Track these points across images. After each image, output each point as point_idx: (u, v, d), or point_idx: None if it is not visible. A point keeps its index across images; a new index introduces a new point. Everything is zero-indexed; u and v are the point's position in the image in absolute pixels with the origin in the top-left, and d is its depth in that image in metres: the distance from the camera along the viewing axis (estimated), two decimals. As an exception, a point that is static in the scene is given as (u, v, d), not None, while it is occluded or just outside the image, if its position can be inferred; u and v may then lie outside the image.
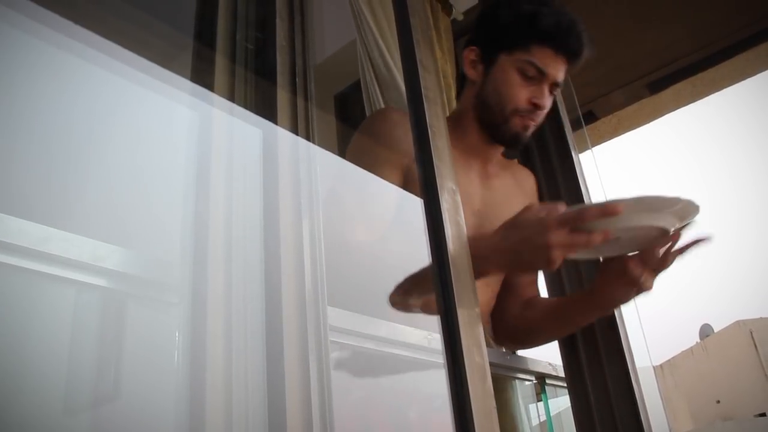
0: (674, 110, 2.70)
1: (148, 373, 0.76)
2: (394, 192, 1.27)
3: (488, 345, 1.15)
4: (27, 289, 0.67)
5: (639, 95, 2.61)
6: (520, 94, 1.31)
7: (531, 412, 1.62)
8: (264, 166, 0.82)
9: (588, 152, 1.95)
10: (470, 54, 1.40)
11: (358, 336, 0.95)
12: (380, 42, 1.73)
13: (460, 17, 2.29)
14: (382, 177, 1.27)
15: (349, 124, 2.42)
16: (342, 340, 0.93)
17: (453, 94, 1.97)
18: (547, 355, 1.49)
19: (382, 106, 1.73)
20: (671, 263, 1.16)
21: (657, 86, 2.56)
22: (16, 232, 0.61)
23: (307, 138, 0.87)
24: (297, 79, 0.90)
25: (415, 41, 1.01)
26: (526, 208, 1.06)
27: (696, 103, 2.65)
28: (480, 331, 0.88)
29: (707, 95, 2.61)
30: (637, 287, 1.17)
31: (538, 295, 1.50)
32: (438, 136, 0.96)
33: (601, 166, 1.78)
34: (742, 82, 2.55)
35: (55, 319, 0.71)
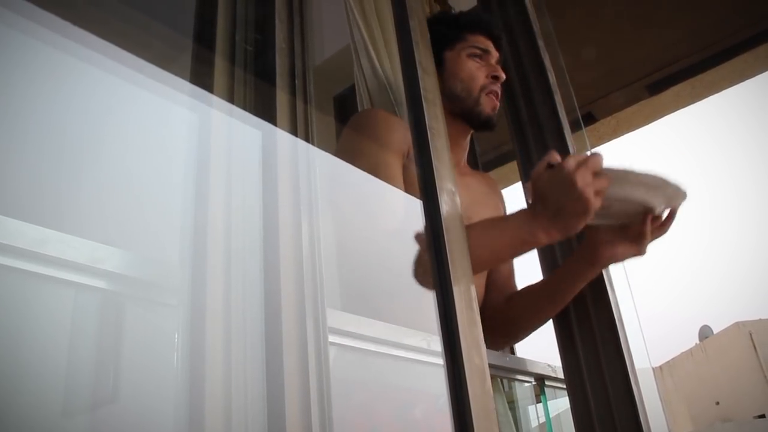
0: (673, 112, 2.70)
1: (146, 376, 0.76)
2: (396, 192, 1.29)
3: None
4: (25, 291, 0.67)
5: (638, 97, 2.61)
6: (479, 73, 1.48)
7: (530, 413, 1.62)
8: (263, 167, 0.82)
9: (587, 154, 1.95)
10: None
11: (358, 338, 0.95)
12: (369, 47, 1.74)
13: (460, 18, 2.29)
14: (385, 166, 1.33)
15: (349, 125, 2.42)
16: (341, 341, 0.93)
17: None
18: (547, 357, 1.49)
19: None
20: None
21: (656, 88, 2.56)
22: (14, 234, 0.61)
23: (307, 139, 0.87)
24: (296, 81, 0.90)
25: (414, 43, 1.01)
26: (538, 176, 1.12)
27: (695, 104, 2.66)
28: (479, 332, 0.88)
29: (706, 97, 2.61)
30: (639, 246, 1.23)
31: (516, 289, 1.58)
32: (437, 137, 0.96)
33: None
34: (742, 84, 2.55)
35: (54, 321, 0.70)
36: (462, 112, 1.47)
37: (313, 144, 0.88)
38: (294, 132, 0.86)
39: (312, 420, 0.69)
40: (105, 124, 1.15)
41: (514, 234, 1.15)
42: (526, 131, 1.59)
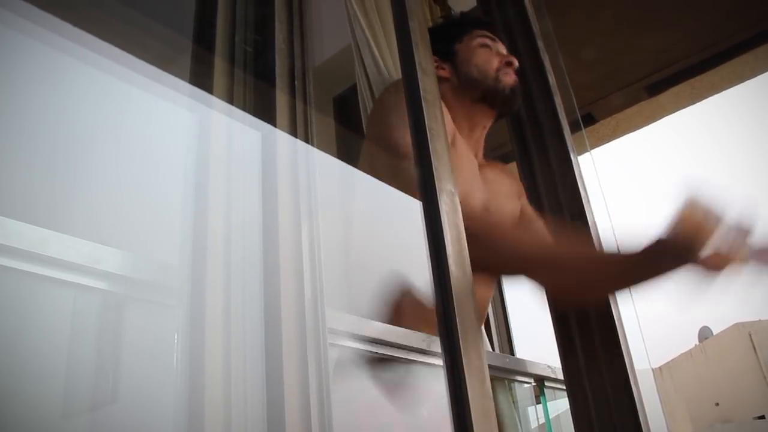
0: (673, 113, 2.71)
1: (146, 376, 0.76)
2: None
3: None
4: (25, 292, 0.67)
5: (638, 98, 2.61)
6: (492, 59, 1.49)
7: (530, 414, 1.62)
8: (263, 168, 0.82)
9: (587, 155, 1.95)
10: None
11: (357, 338, 0.95)
12: (373, 47, 1.73)
13: (459, 19, 2.29)
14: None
15: (348, 126, 2.42)
16: (341, 342, 0.93)
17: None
18: (546, 358, 1.49)
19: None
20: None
21: (656, 89, 2.56)
22: (14, 235, 0.61)
23: (306, 140, 0.87)
24: (296, 82, 0.90)
25: (413, 44, 1.01)
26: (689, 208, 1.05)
27: (695, 105, 2.66)
28: (479, 333, 0.88)
29: (706, 97, 2.61)
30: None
31: None
32: (436, 138, 0.96)
33: (600, 168, 1.78)
34: (742, 84, 2.55)
35: (54, 322, 0.70)
36: (483, 95, 1.48)
37: (312, 145, 0.88)
38: (294, 133, 0.86)
39: (312, 420, 0.69)
40: (105, 125, 1.15)
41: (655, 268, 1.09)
42: (526, 132, 1.60)
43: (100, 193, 1.07)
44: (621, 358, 1.30)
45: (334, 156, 2.12)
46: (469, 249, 0.91)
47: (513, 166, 1.67)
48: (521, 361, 1.47)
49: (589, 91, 2.57)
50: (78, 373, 0.72)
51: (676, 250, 1.04)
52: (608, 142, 2.84)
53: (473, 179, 1.40)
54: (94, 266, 0.67)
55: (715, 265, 1.02)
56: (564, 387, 1.39)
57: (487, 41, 1.52)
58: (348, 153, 2.33)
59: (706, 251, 1.01)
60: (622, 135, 2.81)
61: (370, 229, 1.32)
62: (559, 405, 1.51)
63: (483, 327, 1.52)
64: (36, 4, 0.72)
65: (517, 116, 1.61)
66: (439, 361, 0.84)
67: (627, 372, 1.28)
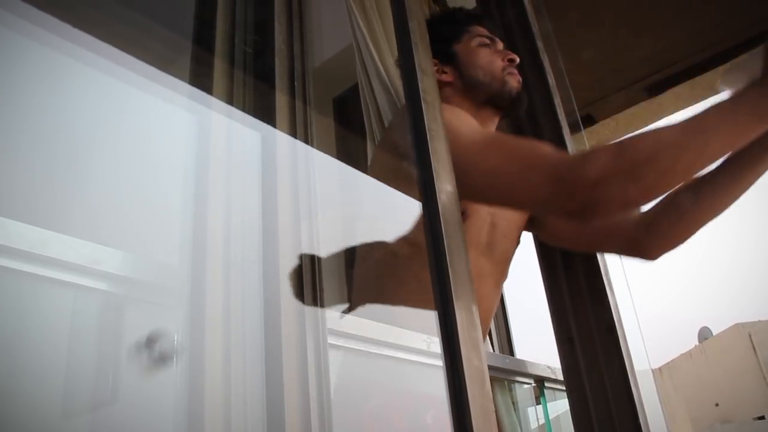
0: (673, 113, 2.70)
1: (146, 377, 0.76)
2: None
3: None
4: (26, 292, 0.67)
5: (637, 98, 2.61)
6: (495, 58, 1.46)
7: (530, 415, 1.62)
8: (263, 169, 0.82)
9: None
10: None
11: (357, 339, 0.95)
12: (371, 46, 1.73)
13: (459, 20, 2.29)
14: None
15: (348, 127, 2.42)
16: (340, 343, 0.93)
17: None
18: (546, 358, 1.49)
19: (377, 109, 1.73)
20: None
21: (655, 89, 2.56)
22: (14, 235, 0.61)
23: (306, 141, 0.87)
24: (295, 83, 0.90)
25: (413, 44, 1.01)
26: None
27: (695, 105, 2.66)
28: (479, 334, 0.88)
29: (706, 98, 2.61)
30: None
31: None
32: (436, 139, 0.96)
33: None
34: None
35: (54, 322, 0.71)
36: (489, 98, 1.45)
37: (312, 146, 0.88)
38: (293, 134, 0.86)
39: (311, 421, 0.69)
40: (104, 126, 1.15)
41: (752, 110, 1.00)
42: (526, 133, 1.60)
43: (100, 193, 1.07)
44: (621, 358, 1.30)
45: (334, 156, 2.12)
46: None
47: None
48: (521, 362, 1.47)
49: (589, 91, 2.57)
50: (78, 374, 0.72)
51: None
52: (608, 143, 2.83)
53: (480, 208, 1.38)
54: (95, 267, 0.67)
55: None
56: (564, 388, 1.39)
57: (486, 39, 1.49)
58: (348, 153, 2.33)
59: None
60: (622, 135, 2.81)
61: (370, 230, 1.32)
62: (559, 406, 1.51)
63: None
64: (36, 5, 0.72)
65: (517, 117, 1.61)
66: (439, 362, 0.84)
67: (627, 372, 1.28)
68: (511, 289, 2.52)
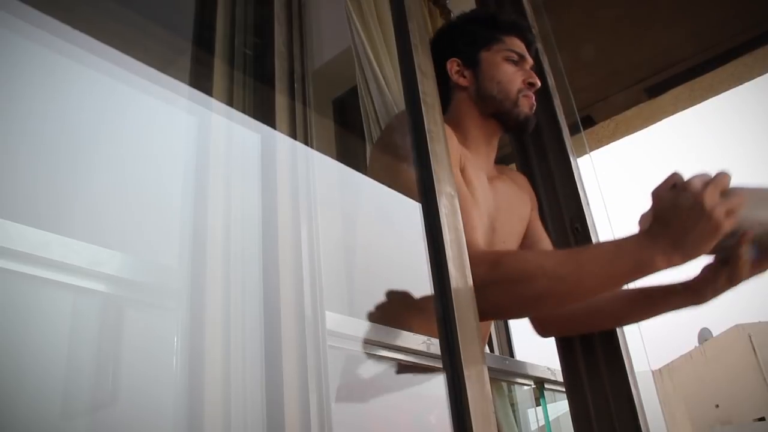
0: (672, 114, 2.70)
1: (146, 378, 0.76)
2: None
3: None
4: (26, 294, 0.67)
5: (637, 99, 2.61)
6: (515, 77, 1.44)
7: (529, 416, 1.62)
8: (262, 170, 0.82)
9: (586, 157, 1.95)
10: (453, 65, 1.49)
11: (357, 341, 0.95)
12: (369, 51, 1.73)
13: (458, 21, 2.29)
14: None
15: (348, 128, 2.42)
16: (340, 345, 0.93)
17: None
18: (546, 360, 1.49)
19: (375, 113, 1.73)
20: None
21: (655, 90, 2.56)
22: (15, 238, 0.61)
23: (306, 142, 0.88)
24: (295, 84, 0.90)
25: (413, 46, 1.01)
26: (659, 197, 1.06)
27: (695, 106, 2.66)
28: (479, 336, 0.88)
29: (705, 99, 2.61)
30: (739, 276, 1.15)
31: None
32: (436, 140, 0.96)
33: (600, 170, 1.78)
34: (742, 86, 2.55)
35: (54, 324, 0.71)
36: (497, 113, 1.44)
37: (312, 147, 0.88)
38: (293, 135, 0.86)
39: (311, 423, 0.69)
40: (104, 128, 1.15)
41: (631, 259, 1.05)
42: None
43: (100, 195, 1.07)
44: (621, 360, 1.30)
45: (334, 158, 2.12)
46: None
47: (513, 167, 1.67)
48: (521, 364, 1.47)
49: (589, 92, 2.56)
50: (78, 375, 0.72)
51: (668, 231, 1.03)
52: (608, 144, 2.83)
53: (481, 186, 1.38)
54: (95, 269, 0.67)
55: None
56: (564, 389, 1.39)
57: (514, 55, 1.46)
58: (347, 155, 2.33)
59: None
60: (622, 137, 2.81)
61: (370, 231, 1.32)
62: (559, 407, 1.51)
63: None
64: (35, 6, 0.72)
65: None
66: (439, 364, 0.84)
67: (627, 374, 1.29)
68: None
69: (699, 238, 1.01)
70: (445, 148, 0.98)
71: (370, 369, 1.08)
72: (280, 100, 0.87)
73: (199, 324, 0.70)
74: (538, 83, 1.45)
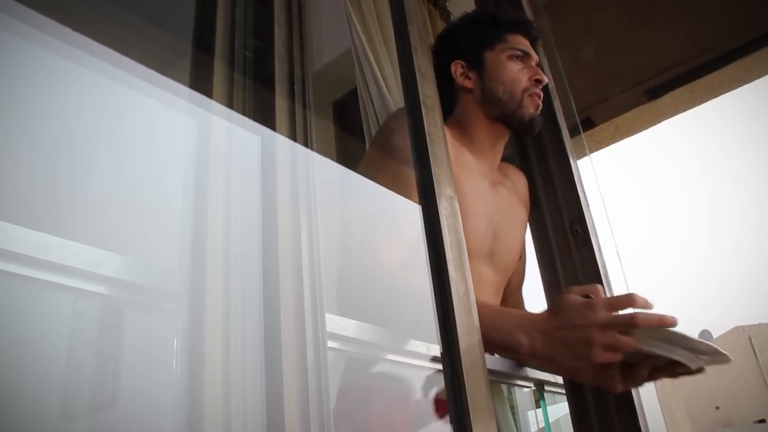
0: (672, 116, 2.71)
1: (146, 381, 0.76)
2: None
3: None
4: (25, 297, 0.67)
5: (637, 102, 2.61)
6: (521, 75, 1.43)
7: (529, 418, 1.62)
8: (262, 172, 0.82)
9: (586, 159, 1.95)
10: (457, 67, 1.48)
11: (357, 343, 0.95)
12: (369, 53, 1.73)
13: (458, 24, 2.29)
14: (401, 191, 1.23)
15: (348, 130, 2.42)
16: (340, 347, 0.93)
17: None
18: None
19: (375, 115, 1.73)
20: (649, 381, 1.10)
21: (655, 93, 2.57)
22: (14, 239, 0.61)
23: (306, 145, 0.87)
24: (295, 86, 0.90)
25: (413, 48, 1.01)
26: (567, 290, 1.04)
27: (695, 108, 2.66)
28: (478, 338, 0.88)
29: (705, 101, 2.62)
30: (605, 383, 1.11)
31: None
32: (436, 142, 0.96)
33: (600, 172, 1.78)
34: (742, 87, 2.55)
35: (54, 327, 0.70)
36: (503, 115, 1.43)
37: (312, 149, 0.88)
38: (293, 137, 0.86)
39: (311, 426, 0.69)
40: (104, 129, 1.15)
41: (507, 334, 1.05)
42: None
43: (100, 197, 1.07)
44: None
45: (334, 160, 2.12)
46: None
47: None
48: (521, 365, 1.46)
49: (589, 95, 2.57)
50: (77, 378, 0.72)
51: (551, 339, 1.02)
52: (608, 146, 2.84)
53: (482, 192, 1.38)
54: (94, 271, 0.67)
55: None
56: (564, 391, 1.39)
57: (519, 52, 1.44)
58: (347, 157, 2.33)
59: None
60: (622, 139, 2.82)
61: (370, 233, 1.32)
62: (559, 409, 1.51)
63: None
64: (35, 8, 0.72)
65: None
66: (439, 366, 0.84)
67: (627, 376, 1.28)
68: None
69: (570, 360, 1.00)
70: (445, 150, 0.98)
71: (370, 371, 1.08)
72: (280, 102, 0.87)
73: (199, 326, 0.70)
74: (545, 79, 1.44)
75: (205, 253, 0.74)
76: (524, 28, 1.49)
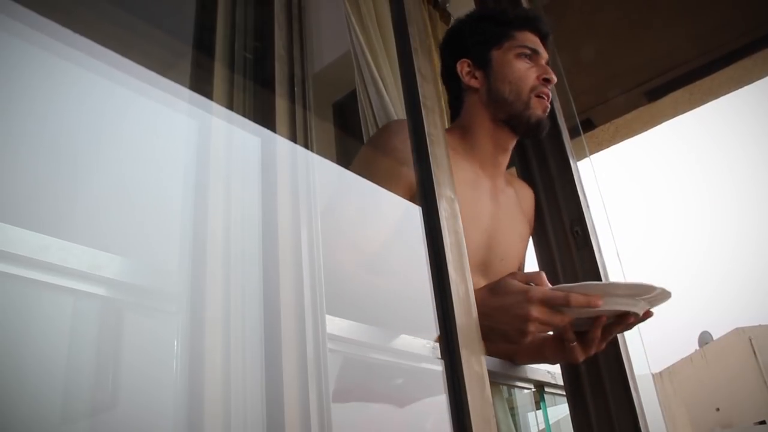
0: (672, 118, 2.71)
1: (146, 382, 0.76)
2: (397, 203, 1.25)
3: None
4: (26, 298, 0.67)
5: (637, 103, 2.62)
6: (529, 74, 1.37)
7: (530, 420, 1.62)
8: (262, 174, 0.82)
9: (586, 160, 1.95)
10: (464, 66, 1.44)
11: (357, 344, 0.95)
12: (368, 55, 1.73)
13: (458, 25, 2.29)
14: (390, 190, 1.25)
15: (348, 132, 2.42)
16: (340, 348, 0.93)
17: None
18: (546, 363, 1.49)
19: (374, 117, 1.73)
20: (606, 341, 1.15)
21: (655, 94, 2.57)
22: (14, 241, 0.61)
23: (306, 146, 0.88)
24: (295, 88, 0.90)
25: (413, 50, 1.01)
26: (511, 275, 1.06)
27: (694, 109, 2.66)
28: (478, 339, 0.88)
29: (704, 103, 2.62)
30: (568, 358, 1.17)
31: None
32: (436, 144, 0.96)
33: (600, 173, 1.78)
34: (742, 89, 2.55)
35: (54, 328, 0.71)
36: (509, 118, 1.38)
37: (312, 150, 0.88)
38: (293, 138, 0.86)
39: (311, 427, 0.69)
40: (104, 131, 1.15)
41: None
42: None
43: (100, 199, 1.07)
44: (621, 363, 1.30)
45: (334, 161, 2.12)
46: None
47: (512, 173, 1.67)
48: (521, 367, 1.46)
49: (589, 96, 2.57)
50: (78, 379, 0.72)
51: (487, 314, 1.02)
52: (607, 147, 2.84)
53: (477, 201, 1.36)
54: (95, 272, 0.67)
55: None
56: (564, 392, 1.39)
57: (527, 50, 1.39)
58: (347, 158, 2.34)
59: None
60: (622, 140, 2.82)
61: (370, 234, 1.32)
62: (559, 411, 1.51)
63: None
64: (35, 9, 0.72)
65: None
66: (440, 367, 0.84)
67: (627, 377, 1.28)
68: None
69: (503, 338, 1.04)
70: (445, 151, 0.98)
71: (370, 372, 1.08)
72: (281, 104, 0.87)
73: (199, 327, 0.70)
74: (554, 78, 1.39)
75: (205, 254, 0.74)
76: (533, 24, 1.44)
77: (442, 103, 1.80)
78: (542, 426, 1.52)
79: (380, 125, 1.67)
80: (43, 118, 1.08)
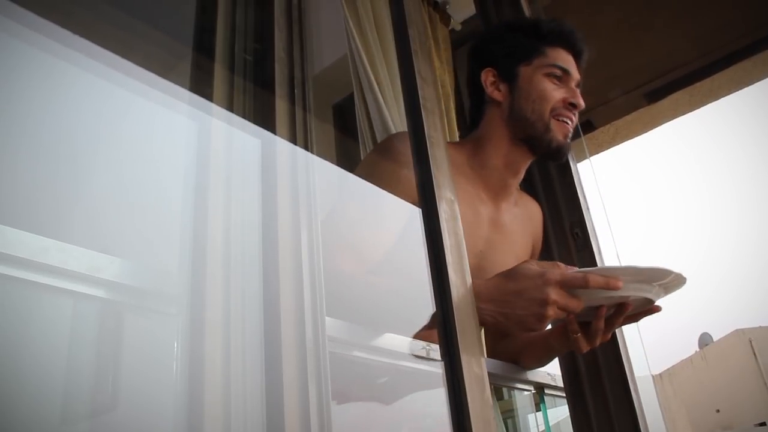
0: (672, 119, 2.71)
1: (146, 384, 0.76)
2: (405, 208, 1.23)
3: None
4: (25, 300, 0.67)
5: (637, 104, 2.61)
6: (555, 96, 1.30)
7: (530, 422, 1.61)
8: (262, 175, 0.82)
9: (586, 161, 1.95)
10: (488, 76, 1.37)
11: (357, 347, 0.95)
12: (364, 59, 1.73)
13: (458, 27, 2.30)
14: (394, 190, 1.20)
15: (347, 133, 2.42)
16: (340, 350, 0.92)
17: (452, 104, 1.97)
18: (546, 365, 1.49)
19: (369, 120, 1.72)
20: (610, 332, 1.14)
21: (655, 96, 2.57)
22: (14, 243, 0.61)
23: (306, 147, 0.88)
24: (295, 90, 0.90)
25: (413, 52, 1.01)
26: (527, 261, 1.05)
27: (695, 110, 2.66)
28: (479, 341, 0.88)
29: (705, 104, 2.62)
30: (572, 347, 1.17)
31: None
32: (436, 146, 0.96)
33: (600, 175, 1.78)
34: (741, 90, 2.55)
35: (54, 330, 0.70)
36: (528, 138, 1.32)
37: (312, 152, 0.88)
38: (293, 140, 0.86)
39: (311, 429, 0.69)
40: (104, 133, 1.15)
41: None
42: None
43: (100, 201, 1.07)
44: (621, 365, 1.30)
45: (334, 163, 2.12)
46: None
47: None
48: (520, 369, 1.46)
49: (588, 97, 2.57)
50: (77, 381, 0.71)
51: (503, 301, 1.02)
52: (608, 149, 2.84)
53: (474, 225, 1.31)
54: (94, 275, 0.67)
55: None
56: (564, 394, 1.39)
57: (557, 70, 1.32)
58: (347, 160, 2.33)
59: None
60: (622, 142, 2.82)
61: (370, 234, 1.32)
62: (559, 412, 1.51)
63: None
64: (35, 11, 0.72)
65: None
66: (440, 369, 0.84)
67: (627, 379, 1.28)
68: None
69: (519, 324, 1.01)
70: (445, 153, 0.98)
71: (370, 374, 1.08)
72: (281, 106, 0.87)
73: (199, 329, 0.70)
74: (581, 104, 1.32)
75: (205, 256, 0.74)
76: (567, 41, 1.36)
77: (442, 105, 1.80)
78: (542, 428, 1.52)
79: (376, 129, 1.67)
80: (43, 119, 1.08)
